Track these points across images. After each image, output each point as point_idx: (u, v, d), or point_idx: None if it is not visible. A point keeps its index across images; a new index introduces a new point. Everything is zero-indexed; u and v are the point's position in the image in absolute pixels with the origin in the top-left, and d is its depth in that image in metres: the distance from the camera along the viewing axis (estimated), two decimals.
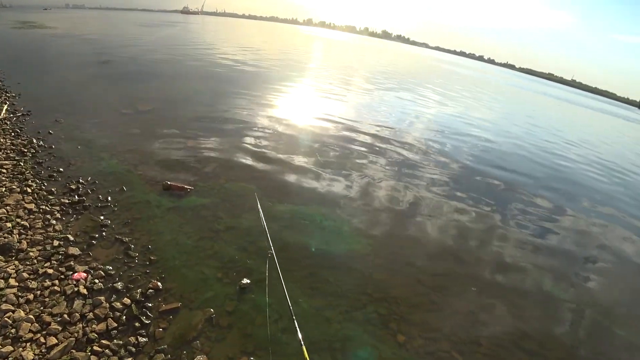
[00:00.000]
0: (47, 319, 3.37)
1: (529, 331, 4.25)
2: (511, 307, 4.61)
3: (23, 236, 4.39)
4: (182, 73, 16.95)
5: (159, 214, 5.28)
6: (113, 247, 4.48)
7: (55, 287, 3.73)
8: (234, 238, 4.95)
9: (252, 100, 13.09)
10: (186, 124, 9.49)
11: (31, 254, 4.14)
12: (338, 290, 4.31)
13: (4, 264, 3.92)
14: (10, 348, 3.04)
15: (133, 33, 37.57)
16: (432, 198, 7.27)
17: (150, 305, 3.69)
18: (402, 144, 10.53)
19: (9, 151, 6.52)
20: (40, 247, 4.29)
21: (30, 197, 5.23)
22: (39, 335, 3.22)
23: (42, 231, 4.56)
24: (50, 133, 7.67)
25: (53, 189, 5.50)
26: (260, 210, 5.34)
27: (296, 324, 0.77)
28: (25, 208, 4.94)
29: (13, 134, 7.41)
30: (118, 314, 3.55)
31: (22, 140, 7.14)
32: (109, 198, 5.48)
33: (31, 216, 4.82)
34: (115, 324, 3.44)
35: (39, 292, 3.67)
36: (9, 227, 4.45)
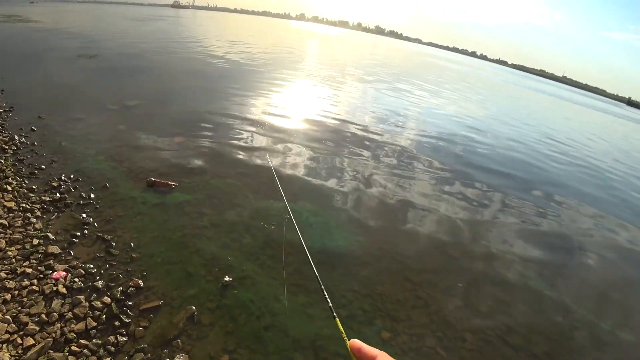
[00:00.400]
0: (25, 319, 3.29)
1: (514, 326, 4.28)
2: (497, 303, 4.64)
3: (1, 235, 4.29)
4: (170, 68, 16.67)
5: (142, 210, 5.20)
6: (94, 245, 4.41)
7: (34, 287, 3.65)
8: (218, 235, 4.90)
9: (242, 95, 12.95)
10: (174, 120, 9.36)
11: (9, 253, 4.04)
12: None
13: None
14: None
15: (122, 27, 36.83)
16: (421, 195, 7.28)
17: (130, 303, 3.64)
18: (394, 140, 10.53)
19: None
20: (19, 246, 4.19)
21: (10, 195, 5.11)
22: (15, 336, 3.15)
23: (21, 230, 4.46)
24: (34, 129, 7.50)
25: (34, 187, 5.39)
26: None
27: (325, 294, 0.77)
28: (4, 206, 4.82)
29: None
30: (98, 313, 3.50)
31: (3, 137, 6.96)
32: (92, 195, 5.39)
33: (10, 214, 4.71)
34: (94, 323, 3.38)
35: (16, 292, 3.58)
36: None
